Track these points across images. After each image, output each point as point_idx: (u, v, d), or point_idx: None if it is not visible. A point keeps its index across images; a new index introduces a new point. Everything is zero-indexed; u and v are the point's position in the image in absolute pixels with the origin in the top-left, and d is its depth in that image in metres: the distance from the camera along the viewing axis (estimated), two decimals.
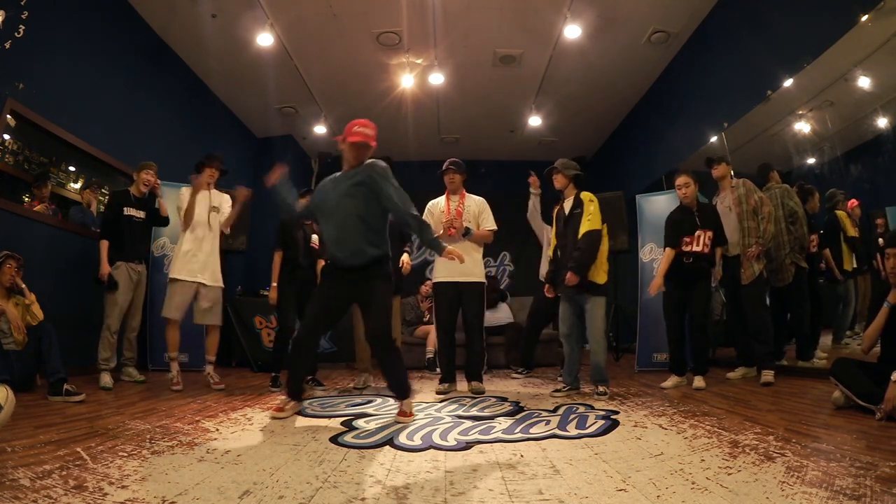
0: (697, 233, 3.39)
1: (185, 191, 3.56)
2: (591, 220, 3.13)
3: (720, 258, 3.52)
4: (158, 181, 3.90)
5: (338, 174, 2.59)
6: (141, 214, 3.79)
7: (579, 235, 3.13)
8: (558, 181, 3.34)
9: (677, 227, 3.47)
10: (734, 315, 3.80)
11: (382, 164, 2.50)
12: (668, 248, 3.50)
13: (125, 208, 3.71)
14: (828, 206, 3.84)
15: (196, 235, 3.51)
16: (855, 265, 3.73)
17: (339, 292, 2.53)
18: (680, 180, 3.47)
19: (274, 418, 2.41)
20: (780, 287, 3.66)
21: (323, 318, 2.54)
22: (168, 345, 3.45)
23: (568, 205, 3.30)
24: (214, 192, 3.69)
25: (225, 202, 3.73)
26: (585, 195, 3.26)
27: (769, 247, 3.52)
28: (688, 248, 3.40)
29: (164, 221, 4.02)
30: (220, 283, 3.62)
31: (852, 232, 3.71)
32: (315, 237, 3.82)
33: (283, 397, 2.59)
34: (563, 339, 3.27)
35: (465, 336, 3.47)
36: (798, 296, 3.63)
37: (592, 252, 3.10)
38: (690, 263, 3.38)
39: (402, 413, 2.39)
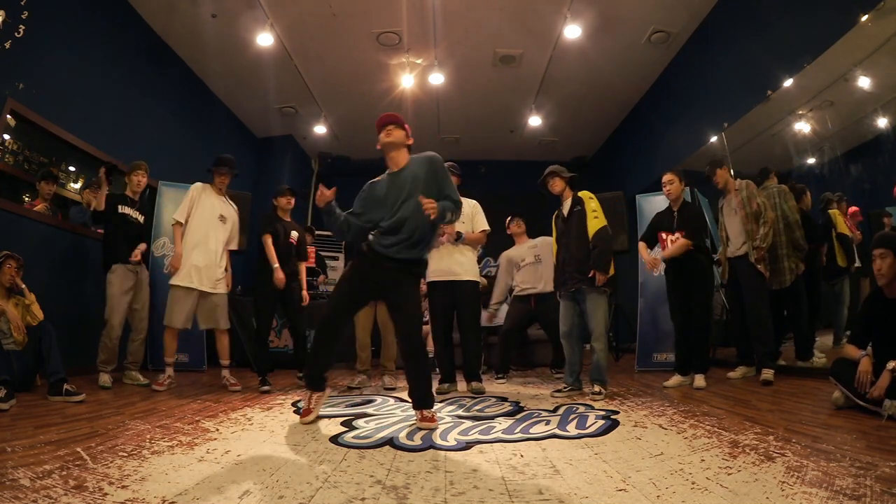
0: (671, 235, 3.46)
1: (194, 188, 3.53)
2: (596, 216, 3.14)
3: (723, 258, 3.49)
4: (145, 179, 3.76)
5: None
6: (139, 217, 3.67)
7: (590, 235, 3.10)
8: (556, 185, 3.31)
9: (654, 226, 3.65)
10: (736, 315, 3.80)
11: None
12: (640, 241, 3.74)
13: (120, 206, 3.59)
14: (821, 207, 3.88)
15: (201, 241, 3.45)
16: (846, 263, 3.75)
17: (369, 280, 2.39)
18: (665, 177, 3.55)
19: (306, 423, 2.28)
20: (777, 289, 3.63)
21: (350, 303, 2.45)
22: (165, 350, 3.41)
23: (566, 206, 3.30)
24: (224, 200, 3.64)
25: (232, 215, 3.67)
26: (584, 193, 3.27)
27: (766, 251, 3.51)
28: (663, 248, 3.51)
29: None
30: (224, 290, 3.57)
31: (843, 229, 3.73)
32: (294, 234, 3.76)
33: (306, 398, 2.41)
34: (562, 339, 3.25)
35: (460, 336, 3.45)
36: (795, 296, 3.64)
37: (608, 248, 3.08)
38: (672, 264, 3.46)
39: (426, 419, 2.23)
